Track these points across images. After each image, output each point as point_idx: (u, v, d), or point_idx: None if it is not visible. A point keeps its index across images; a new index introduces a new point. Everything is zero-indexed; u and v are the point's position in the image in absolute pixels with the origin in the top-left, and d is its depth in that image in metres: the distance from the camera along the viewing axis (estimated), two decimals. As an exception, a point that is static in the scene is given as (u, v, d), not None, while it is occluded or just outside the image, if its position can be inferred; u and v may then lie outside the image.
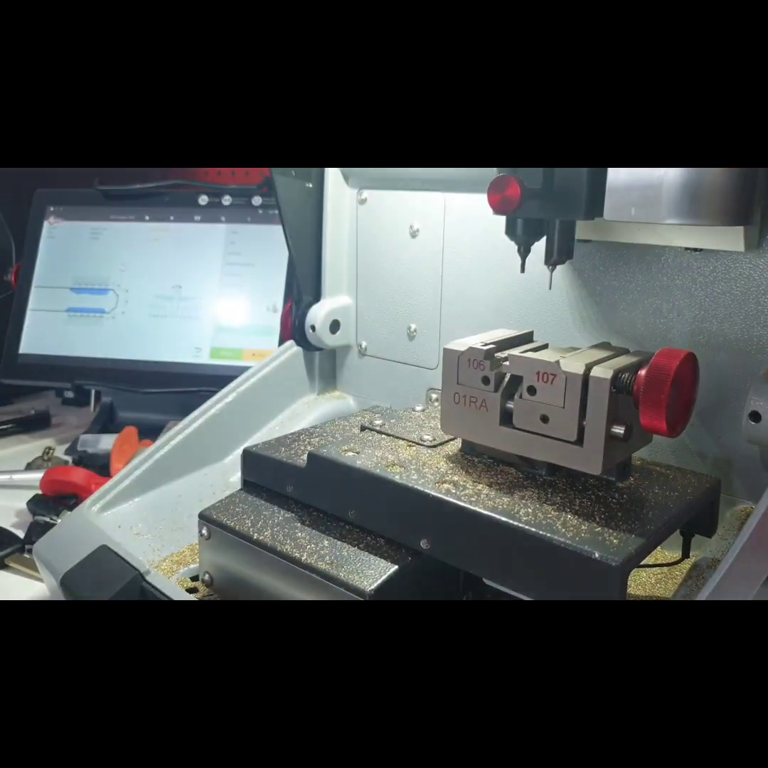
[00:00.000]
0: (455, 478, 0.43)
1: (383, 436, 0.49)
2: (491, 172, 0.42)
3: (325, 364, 0.72)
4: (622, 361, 0.41)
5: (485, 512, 0.39)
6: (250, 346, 0.94)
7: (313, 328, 0.68)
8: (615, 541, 0.36)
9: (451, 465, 0.44)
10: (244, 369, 0.66)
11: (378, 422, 0.51)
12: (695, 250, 0.47)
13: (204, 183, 1.06)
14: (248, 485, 0.51)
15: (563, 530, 0.37)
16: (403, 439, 0.48)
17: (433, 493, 0.41)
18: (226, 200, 0.97)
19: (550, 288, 0.49)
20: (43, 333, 0.98)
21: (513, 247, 0.47)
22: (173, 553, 0.52)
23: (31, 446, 0.93)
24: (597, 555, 0.35)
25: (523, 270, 0.46)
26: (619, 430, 0.39)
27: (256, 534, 0.45)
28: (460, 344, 0.45)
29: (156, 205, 0.99)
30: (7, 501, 0.75)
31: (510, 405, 0.43)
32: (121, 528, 0.53)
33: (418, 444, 0.48)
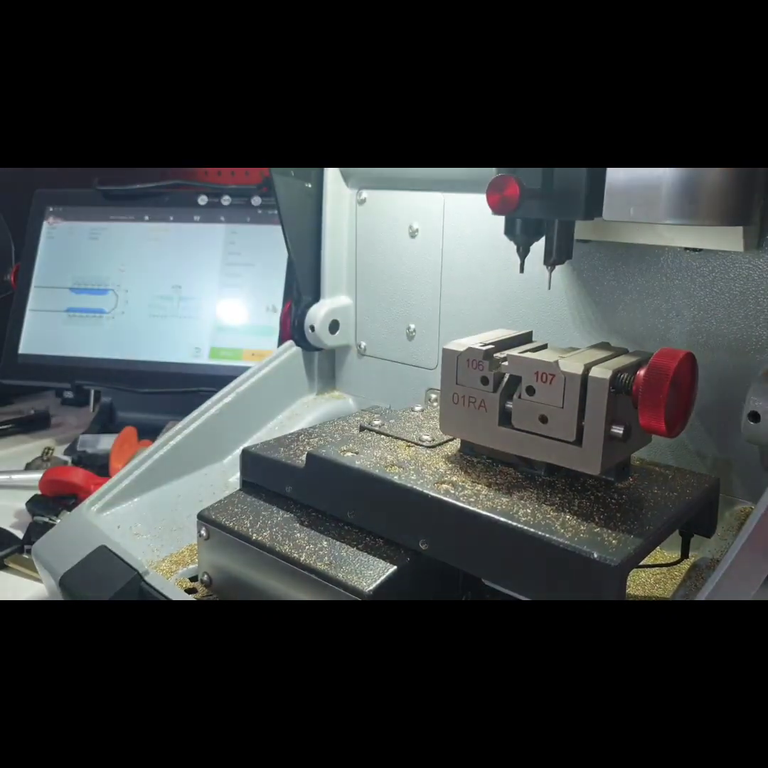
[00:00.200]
0: (454, 478, 0.43)
1: (382, 436, 0.49)
2: (491, 172, 0.42)
3: (324, 365, 0.71)
4: (621, 361, 0.41)
5: (484, 513, 0.39)
6: (250, 346, 0.94)
7: (312, 328, 0.68)
8: (614, 541, 0.36)
9: (449, 465, 0.44)
10: (244, 369, 0.66)
11: (377, 422, 0.51)
12: (695, 250, 0.47)
13: (203, 183, 1.06)
14: (247, 485, 0.51)
15: (562, 530, 0.37)
16: (402, 440, 0.48)
17: (431, 493, 0.41)
18: (226, 200, 0.97)
19: (549, 288, 0.49)
20: (42, 333, 0.98)
21: (512, 247, 0.47)
22: (172, 554, 0.52)
23: (31, 446, 0.93)
24: (596, 555, 0.35)
25: (522, 270, 0.46)
26: (618, 430, 0.39)
27: (255, 534, 0.45)
28: (459, 344, 0.45)
29: (156, 205, 0.99)
30: (6, 501, 0.75)
31: (509, 405, 0.43)
32: (120, 528, 0.53)
33: (417, 444, 0.48)
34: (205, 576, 0.48)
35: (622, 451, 0.42)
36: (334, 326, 0.69)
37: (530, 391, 0.41)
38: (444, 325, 0.63)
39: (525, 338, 0.47)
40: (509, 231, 0.46)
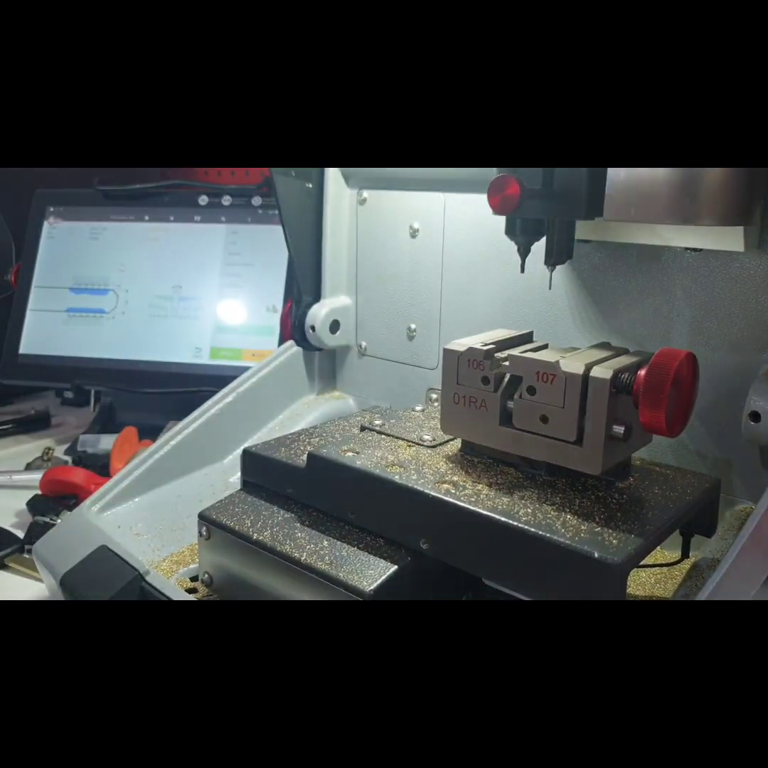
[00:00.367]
0: (455, 478, 0.43)
1: (383, 436, 0.49)
2: (491, 172, 0.42)
3: (324, 365, 0.71)
4: (622, 361, 0.41)
5: (485, 512, 0.39)
6: (250, 346, 0.94)
7: (312, 328, 0.68)
8: (615, 541, 0.36)
9: (450, 465, 0.44)
10: (244, 369, 0.66)
11: (378, 422, 0.51)
12: (695, 250, 0.47)
13: (204, 183, 1.06)
14: (248, 485, 0.51)
15: (563, 530, 0.37)
16: (403, 440, 0.48)
17: (432, 493, 0.41)
18: (226, 200, 0.97)
19: (549, 288, 0.49)
20: (43, 333, 0.98)
21: (513, 247, 0.47)
22: (173, 554, 0.52)
23: (31, 446, 0.93)
24: (597, 555, 0.35)
25: (522, 270, 0.46)
26: (618, 430, 0.39)
27: (255, 534, 0.45)
28: (460, 344, 0.45)
29: (156, 205, 0.99)
30: (6, 501, 0.75)
31: (510, 405, 0.43)
32: (120, 528, 0.53)
33: (417, 444, 0.48)
34: (206, 576, 0.48)
35: (622, 451, 0.42)
36: (334, 326, 0.69)
37: (531, 391, 0.41)
38: (444, 325, 0.63)
39: (526, 338, 0.47)
40: (510, 231, 0.46)
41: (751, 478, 0.48)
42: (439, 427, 0.46)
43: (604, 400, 0.39)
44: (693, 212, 0.39)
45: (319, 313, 0.68)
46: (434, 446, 0.47)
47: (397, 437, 0.49)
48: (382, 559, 0.41)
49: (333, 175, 0.67)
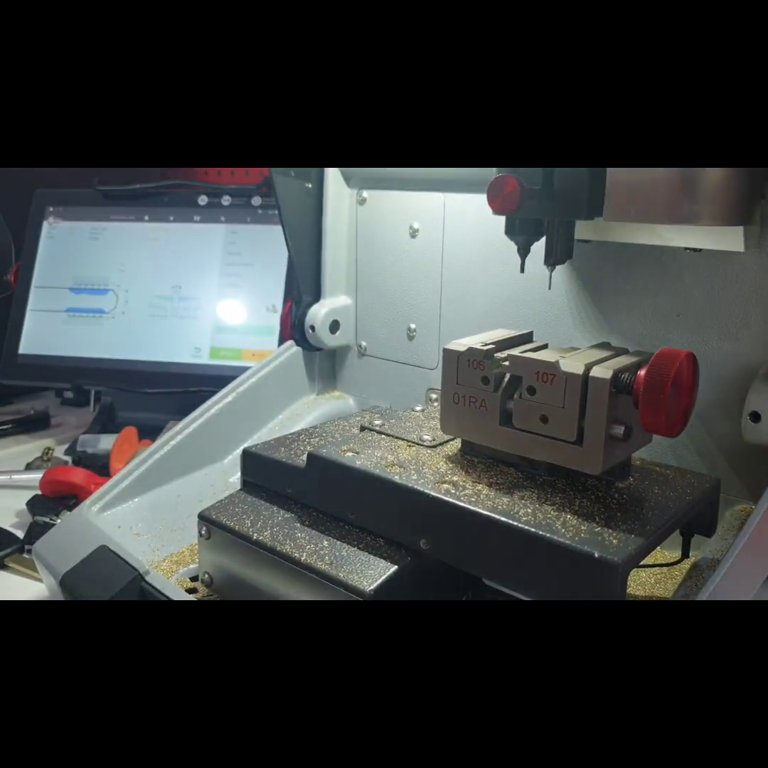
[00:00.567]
0: (455, 478, 0.43)
1: (383, 436, 0.49)
2: (491, 172, 0.42)
3: (324, 365, 0.72)
4: (622, 361, 0.41)
5: (485, 512, 0.39)
6: (250, 346, 0.94)
7: (312, 328, 0.68)
8: (615, 541, 0.36)
9: (450, 465, 0.44)
10: (244, 369, 0.66)
11: (377, 422, 0.51)
12: (695, 250, 0.47)
13: (203, 183, 1.06)
14: (248, 485, 0.51)
15: (563, 530, 0.37)
16: (403, 440, 0.48)
17: (432, 493, 0.41)
18: (226, 200, 0.97)
19: (549, 288, 0.49)
20: (42, 333, 0.98)
21: (513, 247, 0.47)
22: (173, 554, 0.52)
23: (31, 446, 0.93)
24: (597, 554, 0.35)
25: (522, 270, 0.46)
26: (618, 430, 0.39)
27: (255, 534, 0.45)
28: (460, 344, 0.45)
29: (155, 205, 0.99)
30: (6, 501, 0.75)
31: (510, 405, 0.43)
32: (120, 528, 0.53)
33: (417, 444, 0.48)
34: (206, 576, 0.48)
35: (622, 451, 0.42)
36: (334, 326, 0.69)
37: (531, 390, 0.41)
38: (444, 324, 0.63)
39: (525, 338, 0.47)
40: (510, 231, 0.46)
41: (751, 478, 0.48)
42: (439, 427, 0.46)
43: (604, 400, 0.39)
44: (693, 212, 0.39)
45: (318, 313, 0.68)
46: (434, 446, 0.47)
47: (397, 437, 0.49)
48: (382, 559, 0.41)
49: (333, 175, 0.67)
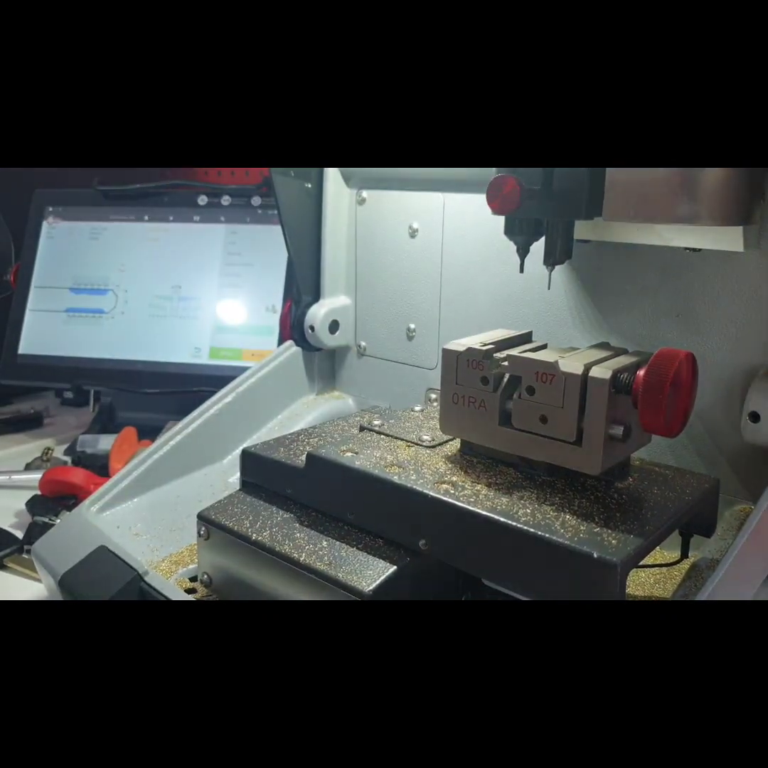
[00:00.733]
0: (454, 478, 0.42)
1: (382, 436, 0.49)
2: (491, 172, 0.42)
3: (324, 365, 0.71)
4: (621, 361, 0.41)
5: (484, 512, 0.39)
6: (250, 346, 0.94)
7: (312, 328, 0.68)
8: (614, 541, 0.36)
9: (449, 465, 0.44)
10: (244, 369, 0.66)
11: (377, 422, 0.51)
12: (695, 250, 0.47)
13: (203, 183, 1.06)
14: (247, 486, 0.51)
15: (562, 530, 0.37)
16: (402, 440, 0.48)
17: (431, 493, 0.41)
18: (226, 200, 0.97)
19: (549, 288, 0.49)
20: (42, 333, 0.98)
21: (512, 247, 0.47)
22: (172, 554, 0.52)
23: (30, 446, 0.93)
24: (596, 555, 0.35)
25: (522, 270, 0.46)
26: (617, 430, 0.39)
27: (254, 534, 0.45)
28: (459, 344, 0.45)
29: (155, 205, 0.99)
30: (5, 501, 0.75)
31: (509, 405, 0.43)
32: (119, 528, 0.53)
33: (416, 444, 0.48)
34: (205, 576, 0.48)
35: (621, 451, 0.42)
36: (333, 326, 0.69)
37: (530, 391, 0.41)
38: (444, 325, 0.63)
39: (525, 338, 0.47)
40: (509, 231, 0.46)
41: (751, 478, 0.48)
42: (438, 427, 0.46)
43: (603, 400, 0.39)
44: (692, 212, 0.39)
45: (318, 313, 0.68)
46: (433, 446, 0.47)
47: (396, 437, 0.49)
48: (381, 560, 0.41)
49: (332, 175, 0.67)
